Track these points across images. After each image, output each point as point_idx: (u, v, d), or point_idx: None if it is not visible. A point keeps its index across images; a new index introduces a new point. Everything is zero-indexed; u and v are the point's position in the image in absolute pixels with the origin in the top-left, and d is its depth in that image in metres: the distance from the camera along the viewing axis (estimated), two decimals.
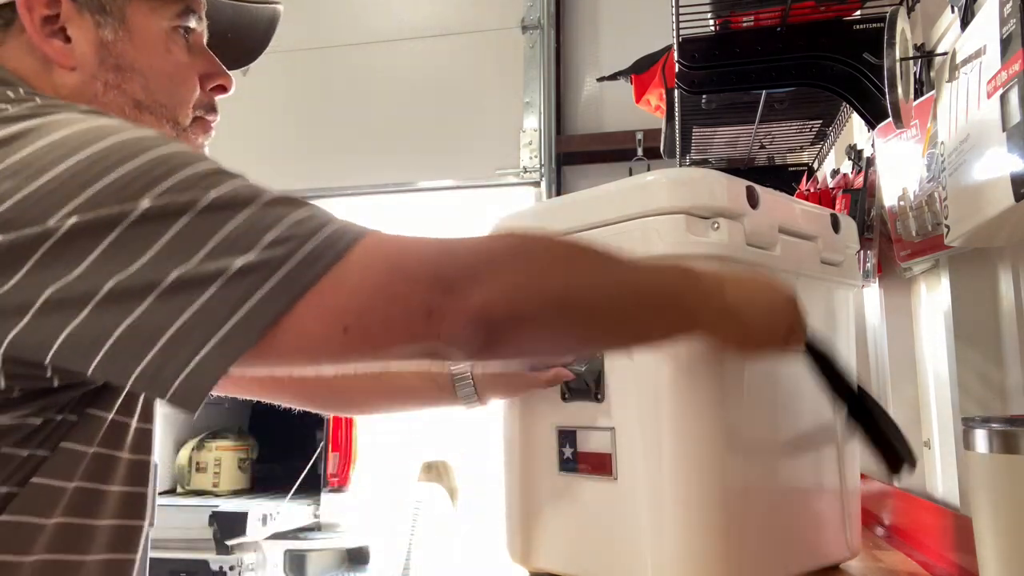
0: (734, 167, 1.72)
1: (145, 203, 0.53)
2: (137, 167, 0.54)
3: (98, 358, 0.53)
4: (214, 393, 0.99)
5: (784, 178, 1.74)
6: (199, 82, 0.76)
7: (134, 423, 0.70)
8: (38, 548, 0.62)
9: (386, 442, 3.09)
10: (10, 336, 0.53)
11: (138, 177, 0.54)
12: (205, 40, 0.78)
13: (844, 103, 1.25)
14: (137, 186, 0.53)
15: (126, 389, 0.62)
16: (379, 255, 0.56)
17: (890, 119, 0.94)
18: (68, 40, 0.69)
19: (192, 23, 0.76)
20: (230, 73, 0.80)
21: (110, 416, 0.66)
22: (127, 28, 0.71)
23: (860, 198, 1.26)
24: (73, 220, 0.52)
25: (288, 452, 3.02)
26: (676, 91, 1.34)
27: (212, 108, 0.78)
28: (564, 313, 0.61)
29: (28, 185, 0.53)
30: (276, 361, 0.56)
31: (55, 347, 0.53)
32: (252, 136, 3.02)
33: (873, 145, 1.28)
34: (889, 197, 1.13)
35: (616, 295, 0.64)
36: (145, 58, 0.72)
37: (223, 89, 0.79)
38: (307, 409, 1.04)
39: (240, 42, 0.85)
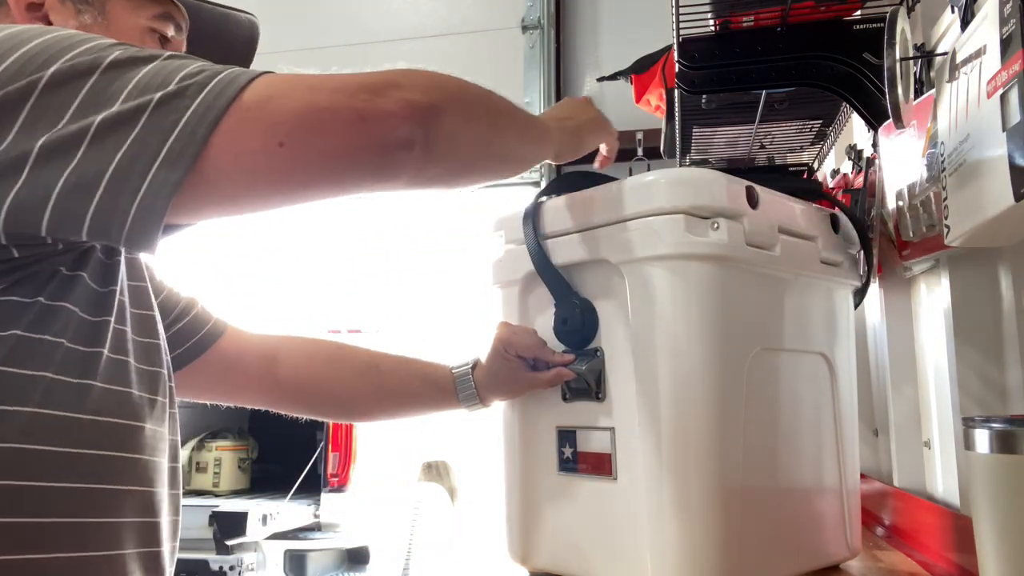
0: (734, 167, 1.72)
1: (52, 70, 0.55)
2: (37, 44, 0.57)
3: (48, 213, 0.54)
4: (222, 403, 0.98)
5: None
6: None
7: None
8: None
9: (386, 442, 3.09)
10: None
11: (40, 53, 0.56)
12: (183, 51, 0.82)
13: (844, 103, 1.25)
14: (41, 59, 0.56)
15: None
16: (293, 79, 0.59)
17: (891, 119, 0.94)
18: (50, 24, 0.74)
19: (170, 31, 0.80)
20: None
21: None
22: (106, 18, 0.76)
23: (860, 198, 1.26)
24: None
25: (288, 452, 3.02)
26: (676, 91, 1.34)
27: None
28: (468, 108, 0.67)
29: None
30: (224, 185, 0.57)
31: (4, 213, 0.54)
32: None
33: (874, 145, 1.28)
34: (891, 197, 1.13)
35: (496, 100, 0.73)
36: None
37: None
38: (310, 417, 1.04)
39: (224, 53, 0.88)
